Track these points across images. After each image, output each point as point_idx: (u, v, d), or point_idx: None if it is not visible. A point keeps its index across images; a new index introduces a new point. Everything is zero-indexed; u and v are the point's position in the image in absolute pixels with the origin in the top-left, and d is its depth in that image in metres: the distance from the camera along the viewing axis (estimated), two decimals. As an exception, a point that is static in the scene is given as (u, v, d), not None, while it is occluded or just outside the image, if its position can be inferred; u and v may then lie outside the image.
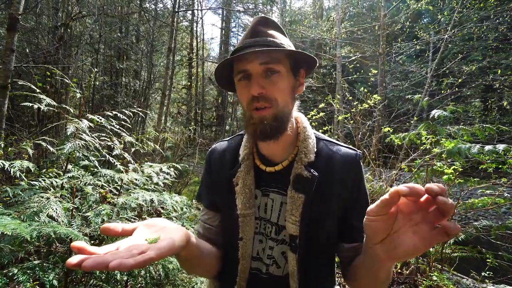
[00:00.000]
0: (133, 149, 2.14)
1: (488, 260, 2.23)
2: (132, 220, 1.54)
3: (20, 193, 1.32)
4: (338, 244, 0.71)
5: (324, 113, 4.18)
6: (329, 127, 4.44)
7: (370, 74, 5.56)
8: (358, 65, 9.30)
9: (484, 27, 8.10)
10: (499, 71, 8.76)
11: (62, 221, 1.21)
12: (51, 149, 1.54)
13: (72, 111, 1.94)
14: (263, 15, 0.72)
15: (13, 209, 1.21)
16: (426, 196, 0.39)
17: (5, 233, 0.90)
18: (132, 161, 1.85)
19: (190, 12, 14.46)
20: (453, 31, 6.64)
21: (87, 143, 1.51)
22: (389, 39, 10.95)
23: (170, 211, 1.86)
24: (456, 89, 6.86)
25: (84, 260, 0.34)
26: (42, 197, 1.28)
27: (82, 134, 1.50)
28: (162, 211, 1.84)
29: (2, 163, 1.33)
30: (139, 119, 7.24)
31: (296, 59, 0.68)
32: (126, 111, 1.90)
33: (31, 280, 1.10)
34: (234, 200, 0.70)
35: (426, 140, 2.70)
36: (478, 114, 10.63)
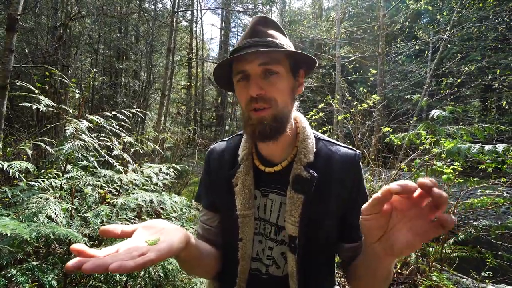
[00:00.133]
0: (132, 150, 2.13)
1: (487, 260, 2.23)
2: (132, 220, 1.54)
3: (19, 193, 1.31)
4: (338, 244, 0.71)
5: (323, 113, 4.18)
6: (329, 127, 4.43)
7: (369, 74, 5.55)
8: (357, 65, 9.32)
9: (483, 27, 8.10)
10: (498, 71, 8.76)
11: (61, 222, 1.21)
12: (50, 149, 1.54)
13: (71, 111, 1.93)
14: (262, 14, 0.72)
15: (12, 210, 1.20)
16: (419, 191, 0.39)
17: (4, 233, 0.90)
18: (132, 162, 1.84)
19: (189, 12, 14.47)
20: (452, 31, 6.65)
21: (86, 144, 1.51)
22: (389, 39, 10.95)
23: (169, 212, 1.86)
24: (455, 89, 6.87)
25: (84, 262, 0.34)
26: (41, 197, 1.27)
27: (81, 135, 1.50)
28: (161, 211, 1.84)
29: (1, 164, 1.32)
30: (139, 119, 7.23)
31: (295, 60, 0.68)
32: (125, 112, 1.89)
33: (30, 281, 1.10)
34: (233, 201, 0.70)
35: (425, 140, 2.70)
36: (477, 114, 10.63)
